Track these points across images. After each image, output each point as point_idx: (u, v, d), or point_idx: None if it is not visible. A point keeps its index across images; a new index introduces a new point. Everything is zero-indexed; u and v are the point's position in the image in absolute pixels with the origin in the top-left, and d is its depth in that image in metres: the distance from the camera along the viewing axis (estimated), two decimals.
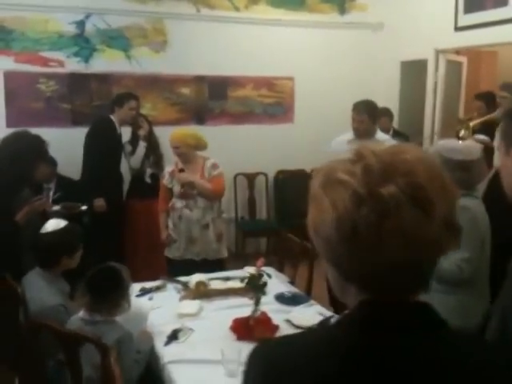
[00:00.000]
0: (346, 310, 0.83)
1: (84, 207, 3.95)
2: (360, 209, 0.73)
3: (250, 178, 5.70)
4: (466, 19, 4.99)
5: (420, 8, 5.50)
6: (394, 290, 0.77)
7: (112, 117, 4.43)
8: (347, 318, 0.81)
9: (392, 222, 0.72)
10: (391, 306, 0.77)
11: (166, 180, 3.67)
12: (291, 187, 5.78)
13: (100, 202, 4.25)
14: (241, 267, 3.30)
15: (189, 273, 3.09)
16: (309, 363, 0.77)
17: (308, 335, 0.88)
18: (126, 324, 2.22)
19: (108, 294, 2.20)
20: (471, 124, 4.68)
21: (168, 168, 3.77)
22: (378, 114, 3.84)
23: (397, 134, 5.17)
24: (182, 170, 3.57)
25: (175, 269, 3.55)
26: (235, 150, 5.42)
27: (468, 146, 2.43)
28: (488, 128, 4.53)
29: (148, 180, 4.63)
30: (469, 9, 4.97)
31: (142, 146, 4.55)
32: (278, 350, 0.82)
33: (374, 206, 0.73)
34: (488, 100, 4.73)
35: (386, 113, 5.27)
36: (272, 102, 5.79)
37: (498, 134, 1.18)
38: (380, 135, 3.84)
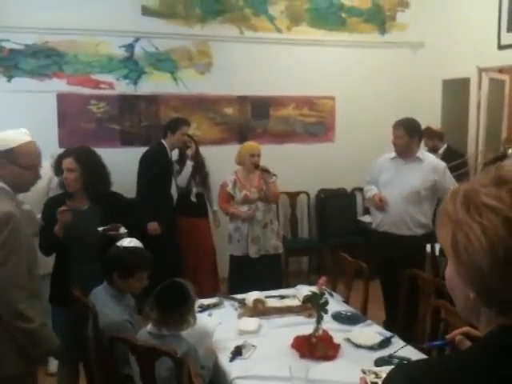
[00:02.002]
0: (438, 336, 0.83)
1: (124, 230, 3.91)
2: None
3: (292, 197, 5.73)
4: (510, 37, 4.98)
5: (461, 26, 5.50)
6: None
7: (164, 141, 4.51)
8: (488, 344, 0.80)
9: None
10: None
11: (229, 188, 4.22)
12: (332, 206, 5.80)
13: (154, 226, 4.32)
14: (283, 285, 3.34)
15: (250, 268, 4.06)
16: None
17: (448, 361, 0.85)
18: (190, 339, 2.25)
19: (176, 309, 2.25)
20: None
21: (230, 177, 4.26)
22: (420, 133, 3.81)
23: (450, 153, 5.15)
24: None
25: (238, 265, 4.24)
26: (277, 169, 5.39)
27: None
28: None
29: (193, 199, 4.70)
30: None
31: (189, 165, 4.63)
32: (420, 373, 0.82)
33: None
34: None
35: (435, 134, 5.27)
36: (313, 121, 5.85)
37: None
38: (424, 154, 3.82)
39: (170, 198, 4.62)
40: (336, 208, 5.77)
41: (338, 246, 5.03)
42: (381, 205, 3.72)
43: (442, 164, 3.81)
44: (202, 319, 2.62)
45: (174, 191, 4.73)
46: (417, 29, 5.97)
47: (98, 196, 2.93)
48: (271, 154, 5.51)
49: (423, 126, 5.39)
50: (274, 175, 4.26)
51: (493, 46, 5.14)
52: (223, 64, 5.36)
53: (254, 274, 4.09)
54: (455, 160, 5.07)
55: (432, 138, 5.35)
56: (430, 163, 3.71)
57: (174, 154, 4.71)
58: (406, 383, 0.80)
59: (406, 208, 3.66)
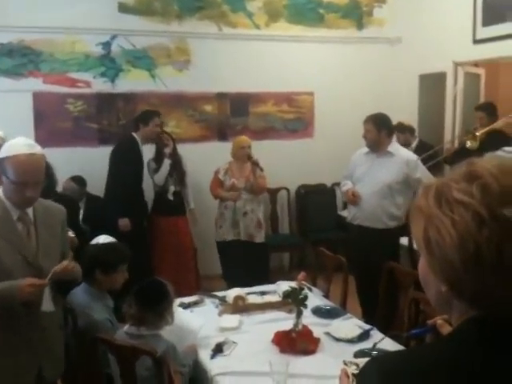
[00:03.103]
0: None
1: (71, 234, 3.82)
2: (482, 230, 0.74)
3: (272, 193, 5.75)
4: (485, 32, 5.04)
5: (438, 22, 5.56)
6: (504, 306, 0.77)
7: (135, 135, 4.46)
8: (459, 337, 0.81)
9: None
10: (503, 323, 0.77)
11: (220, 175, 4.64)
12: (312, 202, 5.82)
13: (124, 222, 4.29)
14: (265, 282, 3.38)
15: (237, 253, 4.53)
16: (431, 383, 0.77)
17: (419, 355, 0.85)
18: (172, 337, 2.26)
19: (155, 306, 2.25)
20: (477, 134, 4.72)
21: (224, 165, 4.67)
22: (388, 126, 3.87)
23: (422, 146, 5.22)
24: None
25: (225, 251, 4.67)
26: None
27: None
28: (493, 137, 4.58)
29: (171, 197, 4.69)
30: (487, 22, 5.03)
31: (166, 163, 4.61)
32: (391, 370, 0.82)
33: (497, 228, 0.73)
34: (488, 110, 4.80)
35: (406, 129, 5.35)
36: (292, 118, 5.87)
37: None
38: (396, 148, 3.87)
39: (141, 194, 4.55)
40: (316, 203, 5.80)
41: (319, 241, 5.05)
42: (353, 199, 3.82)
43: (414, 157, 3.88)
44: (186, 317, 2.63)
45: (150, 189, 4.70)
46: (394, 24, 6.02)
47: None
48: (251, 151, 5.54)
49: (400, 120, 5.50)
50: (261, 170, 4.65)
51: (468, 41, 5.20)
52: (202, 61, 5.34)
53: (239, 259, 4.55)
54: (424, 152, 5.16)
55: (403, 132, 5.42)
56: (401, 157, 3.77)
57: (151, 152, 4.68)
58: (378, 380, 0.81)
59: (379, 202, 3.73)
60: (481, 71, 6.00)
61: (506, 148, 3.92)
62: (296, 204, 5.94)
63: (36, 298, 2.00)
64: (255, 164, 4.60)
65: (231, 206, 4.59)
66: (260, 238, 4.70)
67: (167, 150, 4.63)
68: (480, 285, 0.76)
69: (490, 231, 0.73)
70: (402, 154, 3.80)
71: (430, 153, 4.89)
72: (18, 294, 1.93)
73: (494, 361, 0.76)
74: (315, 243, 4.95)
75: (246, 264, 4.53)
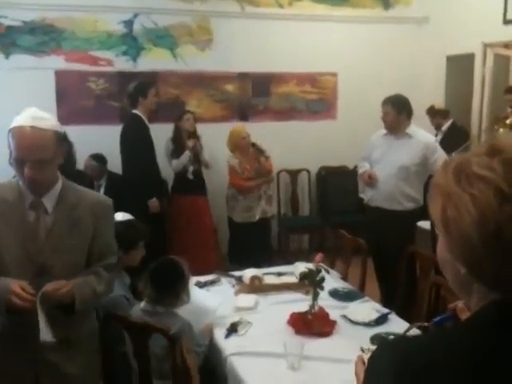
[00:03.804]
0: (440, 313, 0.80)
1: None
2: (504, 208, 0.69)
3: (293, 175, 5.70)
4: None
5: (466, 1, 5.39)
6: None
7: (137, 112, 4.25)
8: (480, 321, 0.77)
9: None
10: None
11: (237, 168, 4.66)
12: (333, 184, 5.76)
13: (154, 203, 4.23)
14: (284, 264, 3.37)
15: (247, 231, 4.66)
16: (445, 370, 0.74)
17: (437, 341, 0.81)
18: (189, 316, 2.26)
19: (170, 286, 2.25)
20: (508, 121, 4.57)
21: (234, 160, 4.68)
22: (408, 108, 3.79)
23: (454, 129, 5.12)
24: None
25: (234, 230, 4.85)
26: (278, 147, 5.41)
27: None
28: None
29: (190, 176, 4.68)
30: None
31: (187, 155, 4.58)
32: (407, 356, 0.79)
33: None
34: None
35: (438, 112, 5.25)
36: (315, 98, 5.78)
37: None
38: (414, 130, 3.78)
39: (158, 173, 4.45)
40: (337, 186, 5.73)
41: (339, 223, 4.99)
42: (370, 181, 3.81)
43: (432, 139, 3.83)
44: (204, 296, 2.63)
45: (167, 168, 4.69)
46: (421, 4, 5.85)
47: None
48: (272, 132, 5.49)
49: (427, 103, 5.38)
50: (264, 153, 4.76)
51: (498, 21, 5.03)
52: (224, 40, 5.28)
53: (246, 239, 4.69)
54: (460, 136, 5.05)
55: (435, 116, 5.31)
56: (419, 139, 3.71)
57: (168, 133, 4.67)
58: (389, 368, 0.78)
59: (396, 183, 3.69)
60: (511, 53, 5.81)
61: None
62: (317, 186, 5.88)
63: (26, 309, 1.65)
64: (259, 150, 4.70)
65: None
66: (271, 211, 4.94)
67: (190, 144, 4.57)
68: (500, 267, 0.71)
69: (511, 208, 0.69)
70: (420, 137, 3.73)
71: (459, 150, 4.80)
72: (4, 297, 1.65)
73: (509, 345, 0.72)
74: (335, 226, 4.90)
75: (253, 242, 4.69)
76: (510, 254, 0.70)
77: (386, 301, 3.42)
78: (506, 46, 5.60)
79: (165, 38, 5.11)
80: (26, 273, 1.75)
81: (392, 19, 5.84)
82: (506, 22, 5.00)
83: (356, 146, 5.43)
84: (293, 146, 5.59)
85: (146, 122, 4.30)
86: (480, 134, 5.47)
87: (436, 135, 5.34)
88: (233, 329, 2.37)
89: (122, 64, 4.99)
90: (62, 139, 1.86)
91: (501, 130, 4.62)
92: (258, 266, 4.51)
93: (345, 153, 5.70)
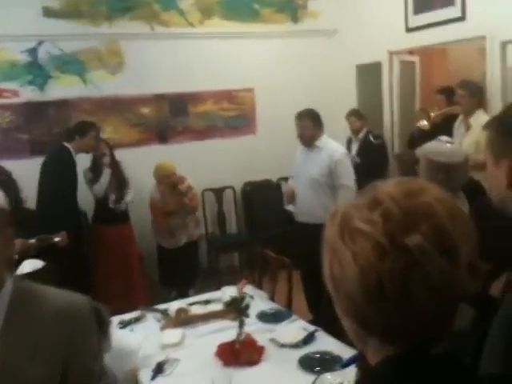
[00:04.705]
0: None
1: (57, 238, 3.83)
2: (384, 261, 0.69)
3: (218, 193, 5.68)
4: (416, 20, 5.12)
5: (371, 12, 5.62)
6: (419, 341, 0.73)
7: (67, 145, 4.21)
8: (377, 380, 0.77)
9: (419, 273, 0.68)
10: (420, 361, 0.73)
11: (158, 202, 4.63)
12: (259, 198, 5.79)
13: (63, 236, 4.01)
14: (215, 283, 3.36)
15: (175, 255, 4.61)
16: None
17: None
18: (111, 362, 2.16)
19: None
20: (432, 115, 4.81)
21: (156, 194, 4.64)
22: (321, 121, 3.93)
23: (374, 137, 5.30)
24: None
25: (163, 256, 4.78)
26: (200, 166, 5.40)
27: (452, 149, 2.47)
28: (447, 122, 4.68)
29: (112, 205, 4.55)
30: (418, 10, 5.11)
31: (106, 173, 4.46)
32: None
33: (400, 258, 0.68)
34: (448, 94, 4.88)
35: (354, 113, 5.41)
36: (234, 115, 5.80)
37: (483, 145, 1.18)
38: (324, 142, 3.88)
39: (77, 206, 4.34)
40: (263, 200, 5.76)
41: (267, 238, 5.05)
42: (288, 198, 3.94)
43: (338, 151, 3.88)
44: (125, 337, 2.53)
45: (87, 199, 4.55)
46: (329, 16, 6.03)
47: None
48: (193, 151, 5.46)
49: (341, 111, 5.54)
50: (191, 190, 4.75)
51: (401, 30, 5.27)
52: (136, 62, 5.19)
53: (176, 263, 4.64)
54: (374, 149, 5.26)
55: (361, 118, 5.47)
56: (326, 150, 3.81)
57: (86, 163, 4.51)
58: None
59: (313, 197, 3.79)
60: (415, 59, 6.11)
61: (442, 137, 3.99)
62: (242, 202, 5.89)
63: None
64: (182, 194, 4.65)
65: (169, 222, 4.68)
66: (198, 234, 4.96)
67: (106, 160, 4.47)
68: (387, 320, 0.71)
69: (392, 262, 0.68)
70: (327, 148, 3.84)
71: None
72: None
73: None
74: (264, 240, 4.93)
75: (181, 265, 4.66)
76: (395, 309, 0.70)
77: (315, 315, 3.46)
78: (411, 52, 5.89)
79: (73, 64, 4.94)
80: None
81: (302, 33, 5.97)
82: (409, 30, 5.24)
83: (278, 159, 5.53)
84: (215, 164, 5.57)
85: (74, 157, 4.21)
86: (393, 138, 5.70)
87: (350, 141, 5.52)
88: (159, 369, 2.30)
89: (29, 94, 4.77)
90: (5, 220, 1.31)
91: (422, 122, 4.85)
92: (189, 288, 4.55)
93: (267, 167, 5.76)
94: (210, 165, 5.52)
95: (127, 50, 5.17)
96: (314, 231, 3.83)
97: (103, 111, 5.06)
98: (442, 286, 0.69)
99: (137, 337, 2.52)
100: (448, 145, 2.51)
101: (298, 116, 3.92)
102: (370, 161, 5.12)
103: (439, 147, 2.48)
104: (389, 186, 0.75)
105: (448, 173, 2.32)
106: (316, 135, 3.86)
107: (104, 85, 5.06)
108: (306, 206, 3.83)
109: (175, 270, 4.63)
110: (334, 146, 3.91)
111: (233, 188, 5.78)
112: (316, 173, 3.76)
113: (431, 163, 2.36)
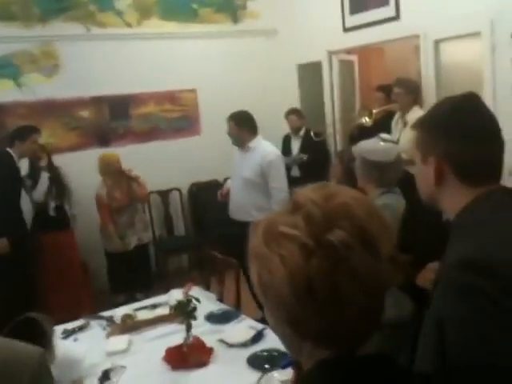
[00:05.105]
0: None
1: None
2: (311, 261, 0.70)
3: (164, 195, 5.61)
4: (353, 20, 5.23)
5: (309, 13, 5.70)
6: (350, 340, 0.75)
7: (10, 150, 4.14)
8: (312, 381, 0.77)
9: (345, 267, 0.71)
10: (347, 363, 0.75)
11: (104, 199, 4.50)
12: (206, 199, 5.74)
13: (3, 243, 3.92)
14: (165, 286, 3.33)
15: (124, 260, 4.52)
16: None
17: None
18: (57, 374, 2.09)
19: None
20: (374, 111, 4.94)
21: (102, 190, 4.52)
22: (249, 123, 3.99)
23: (315, 135, 5.38)
24: None
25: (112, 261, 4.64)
26: (145, 169, 5.26)
27: (386, 148, 2.53)
28: (385, 119, 4.81)
29: (52, 213, 4.41)
30: (354, 10, 5.22)
31: (45, 177, 4.32)
32: None
33: (326, 255, 0.70)
34: (387, 92, 5.02)
35: (294, 112, 5.47)
36: (177, 116, 5.74)
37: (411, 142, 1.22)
38: (258, 143, 3.95)
39: (20, 212, 4.21)
40: (209, 200, 5.71)
41: (215, 238, 5.04)
42: (221, 198, 4.19)
43: (271, 153, 3.92)
44: (68, 347, 2.45)
45: (27, 207, 4.38)
46: (268, 17, 6.07)
47: None
48: (136, 154, 5.35)
49: (283, 110, 5.59)
50: (138, 179, 4.62)
51: (339, 30, 5.38)
52: (72, 65, 5.04)
53: (124, 269, 4.55)
54: (314, 147, 5.35)
55: (300, 116, 5.54)
56: (259, 152, 3.89)
57: (24, 169, 4.35)
58: None
59: (245, 195, 3.90)
60: (354, 58, 6.25)
61: (383, 135, 4.10)
62: (189, 203, 5.84)
63: None
64: (130, 178, 4.57)
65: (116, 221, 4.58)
66: (148, 237, 4.90)
67: (42, 163, 4.34)
68: (320, 321, 0.72)
69: (318, 261, 0.70)
70: (260, 149, 3.91)
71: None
72: None
73: None
74: (212, 241, 4.92)
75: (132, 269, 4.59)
76: (326, 308, 0.71)
77: (261, 307, 3.48)
78: (349, 51, 6.02)
79: (6, 68, 4.75)
80: None
81: (242, 33, 5.99)
82: (346, 30, 5.36)
83: (223, 159, 5.49)
84: (160, 166, 5.50)
85: (17, 162, 4.14)
86: (335, 135, 5.81)
87: (287, 139, 5.58)
88: (105, 377, 2.24)
89: None
90: None
91: (364, 119, 4.96)
92: (139, 292, 4.48)
93: (213, 167, 5.73)
94: (154, 167, 5.44)
95: (63, 52, 5.02)
96: (245, 228, 3.94)
97: (39, 115, 4.88)
98: (368, 279, 0.71)
99: (81, 346, 2.45)
100: (382, 143, 2.57)
101: (227, 118, 4.05)
102: (312, 157, 5.22)
103: (373, 146, 2.54)
104: (308, 192, 0.78)
105: (381, 171, 2.40)
106: (244, 136, 3.94)
107: (40, 88, 4.89)
108: (238, 204, 3.98)
109: (127, 276, 4.55)
110: (268, 148, 3.98)
111: (179, 190, 5.72)
112: (249, 173, 3.86)
113: (365, 161, 2.43)
